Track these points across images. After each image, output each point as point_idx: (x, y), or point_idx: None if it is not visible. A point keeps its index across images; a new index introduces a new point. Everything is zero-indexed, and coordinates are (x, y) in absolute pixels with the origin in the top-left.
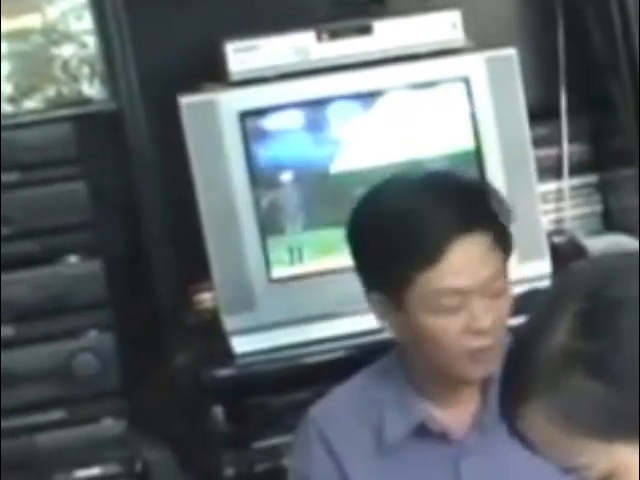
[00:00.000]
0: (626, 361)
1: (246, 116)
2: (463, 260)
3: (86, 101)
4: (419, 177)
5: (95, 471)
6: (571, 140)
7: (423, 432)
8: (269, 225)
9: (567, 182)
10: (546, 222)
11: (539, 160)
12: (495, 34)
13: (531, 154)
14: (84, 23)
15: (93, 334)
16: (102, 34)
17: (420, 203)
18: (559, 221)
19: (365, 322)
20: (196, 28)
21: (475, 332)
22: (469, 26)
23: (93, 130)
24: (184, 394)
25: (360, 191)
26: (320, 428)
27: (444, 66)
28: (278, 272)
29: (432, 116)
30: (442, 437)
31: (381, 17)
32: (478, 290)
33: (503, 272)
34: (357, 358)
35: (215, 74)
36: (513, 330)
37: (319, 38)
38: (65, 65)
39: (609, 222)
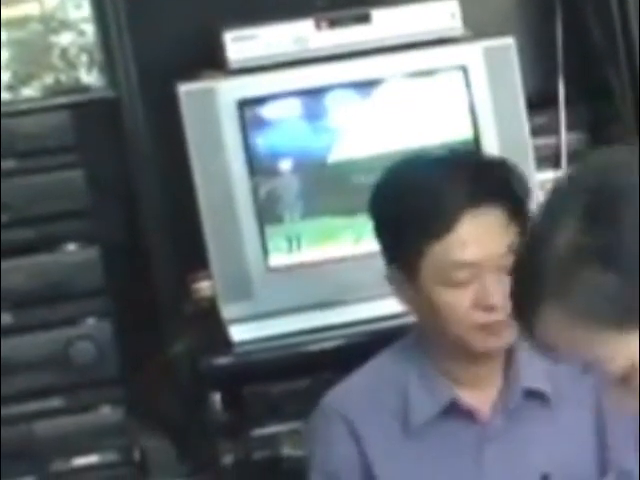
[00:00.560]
0: (636, 249)
1: (244, 104)
2: (473, 233)
3: (84, 89)
4: (441, 154)
5: (93, 459)
6: (569, 129)
7: (450, 413)
8: (267, 213)
9: (565, 171)
10: None
11: (537, 149)
12: (493, 23)
13: (529, 143)
14: (82, 11)
15: (91, 322)
16: (100, 22)
17: (435, 176)
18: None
19: (363, 310)
20: (195, 16)
21: (485, 307)
22: (467, 15)
23: (91, 118)
24: (182, 382)
25: (358, 179)
26: (343, 413)
27: (442, 55)
28: (276, 260)
29: (430, 105)
30: (469, 418)
31: (379, 6)
32: (489, 264)
33: None
34: (355, 346)
35: (214, 62)
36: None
37: (318, 27)
38: (63, 53)
39: None
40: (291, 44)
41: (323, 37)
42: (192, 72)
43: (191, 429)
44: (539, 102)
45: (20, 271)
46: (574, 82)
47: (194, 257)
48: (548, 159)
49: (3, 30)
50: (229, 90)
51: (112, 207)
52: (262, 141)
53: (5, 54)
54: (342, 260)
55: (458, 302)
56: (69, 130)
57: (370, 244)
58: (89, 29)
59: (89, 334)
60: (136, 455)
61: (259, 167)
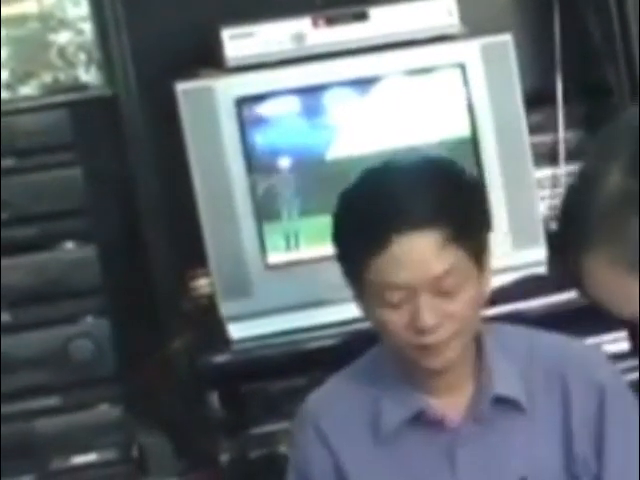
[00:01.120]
0: None
1: (242, 102)
2: (407, 254)
3: (82, 87)
4: (402, 164)
5: (92, 457)
6: (567, 126)
7: (419, 420)
8: (265, 211)
9: (563, 168)
10: (542, 208)
11: (535, 146)
12: (491, 20)
13: (527, 140)
14: (80, 9)
15: (89, 320)
16: (98, 20)
17: (384, 192)
18: (555, 207)
19: None
20: (192, 14)
21: (417, 330)
22: (464, 12)
23: (89, 116)
24: (180, 380)
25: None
26: (315, 420)
27: (440, 52)
28: (274, 258)
29: (428, 102)
30: (438, 425)
31: (377, 3)
32: (423, 287)
33: (460, 269)
34: (353, 344)
35: (211, 60)
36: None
37: (315, 24)
38: (61, 51)
39: None
40: (289, 42)
41: (321, 35)
42: (190, 70)
43: (189, 426)
44: (537, 99)
45: (18, 269)
46: (572, 79)
47: (192, 255)
48: (546, 156)
49: (2, 28)
50: (227, 88)
51: (110, 205)
52: (260, 139)
53: (4, 52)
54: None
55: (392, 322)
56: (67, 128)
57: None
58: (87, 27)
59: (88, 332)
60: (134, 452)
61: (257, 165)
